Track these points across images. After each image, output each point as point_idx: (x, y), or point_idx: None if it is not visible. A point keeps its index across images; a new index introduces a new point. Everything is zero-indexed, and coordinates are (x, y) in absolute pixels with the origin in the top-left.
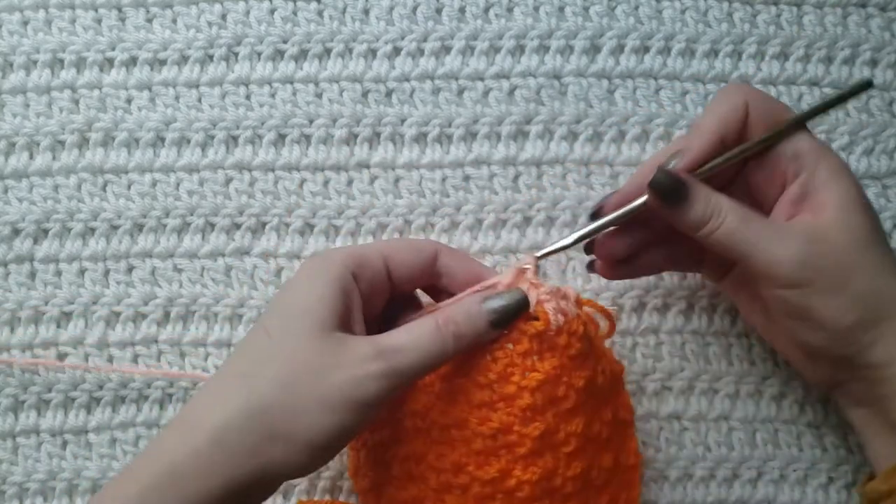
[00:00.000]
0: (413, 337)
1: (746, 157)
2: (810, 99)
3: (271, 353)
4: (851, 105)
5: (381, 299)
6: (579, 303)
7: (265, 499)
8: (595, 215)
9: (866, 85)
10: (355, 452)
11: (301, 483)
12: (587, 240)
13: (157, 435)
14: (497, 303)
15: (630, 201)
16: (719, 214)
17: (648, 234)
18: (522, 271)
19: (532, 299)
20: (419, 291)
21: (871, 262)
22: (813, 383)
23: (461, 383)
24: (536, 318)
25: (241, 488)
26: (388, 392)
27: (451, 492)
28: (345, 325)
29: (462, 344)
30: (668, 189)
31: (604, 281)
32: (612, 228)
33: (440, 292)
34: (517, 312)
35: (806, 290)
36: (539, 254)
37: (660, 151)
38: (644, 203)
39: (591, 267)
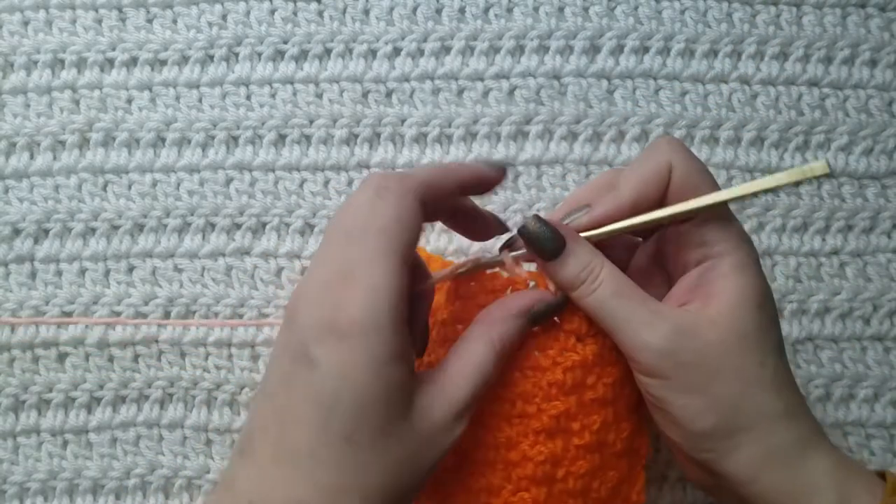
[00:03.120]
0: (479, 377)
1: (645, 228)
2: (809, 99)
3: (364, 464)
4: (851, 105)
5: None
6: None
7: None
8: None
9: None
10: None
11: None
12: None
13: None
14: (542, 310)
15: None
16: (594, 280)
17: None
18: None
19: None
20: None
21: (740, 369)
22: (692, 481)
23: (536, 360)
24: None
25: None
26: None
27: (495, 467)
28: (411, 378)
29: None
30: (540, 238)
31: None
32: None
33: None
34: (555, 314)
35: (663, 382)
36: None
37: (570, 196)
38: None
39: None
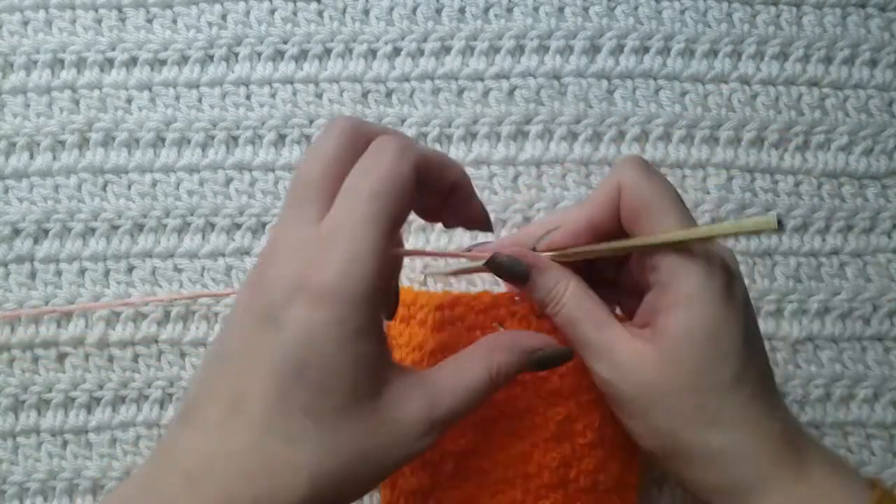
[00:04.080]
0: (468, 395)
1: (601, 255)
2: (809, 99)
3: (320, 441)
4: (851, 105)
5: None
6: None
7: None
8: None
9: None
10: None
11: None
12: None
13: None
14: (546, 357)
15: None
16: (556, 303)
17: None
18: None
19: None
20: None
21: (675, 407)
22: None
23: (529, 419)
24: None
25: None
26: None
27: (514, 484)
28: (384, 363)
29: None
30: (506, 268)
31: None
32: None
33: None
34: (560, 364)
35: (611, 403)
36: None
37: (545, 220)
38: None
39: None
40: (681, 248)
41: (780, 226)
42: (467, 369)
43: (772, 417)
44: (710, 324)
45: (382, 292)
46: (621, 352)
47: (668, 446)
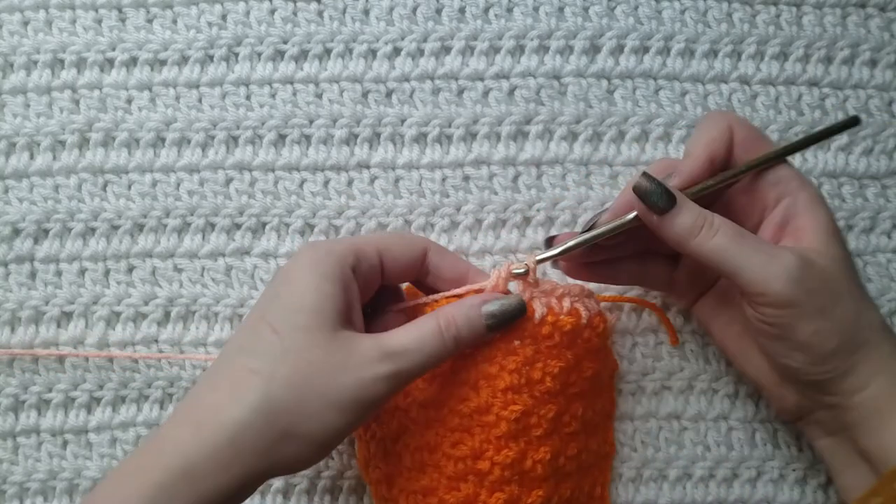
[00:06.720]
0: (417, 339)
1: (731, 182)
2: (809, 99)
3: (282, 351)
4: (851, 105)
5: (371, 291)
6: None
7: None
8: (589, 230)
9: (853, 122)
10: (364, 444)
11: (301, 482)
12: (580, 248)
13: (161, 429)
14: (496, 308)
15: (621, 217)
16: (712, 226)
17: (620, 251)
18: (515, 276)
19: (542, 302)
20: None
21: (852, 289)
22: (780, 412)
23: (485, 369)
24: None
25: (250, 483)
26: (392, 392)
27: (466, 479)
28: (347, 320)
29: (461, 346)
30: (653, 193)
31: None
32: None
33: (424, 287)
34: (515, 318)
35: (794, 311)
36: (538, 257)
37: (652, 166)
38: (634, 218)
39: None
40: (785, 161)
41: (858, 120)
42: (418, 322)
43: None
44: (834, 220)
45: (354, 258)
46: (797, 250)
47: (849, 334)
